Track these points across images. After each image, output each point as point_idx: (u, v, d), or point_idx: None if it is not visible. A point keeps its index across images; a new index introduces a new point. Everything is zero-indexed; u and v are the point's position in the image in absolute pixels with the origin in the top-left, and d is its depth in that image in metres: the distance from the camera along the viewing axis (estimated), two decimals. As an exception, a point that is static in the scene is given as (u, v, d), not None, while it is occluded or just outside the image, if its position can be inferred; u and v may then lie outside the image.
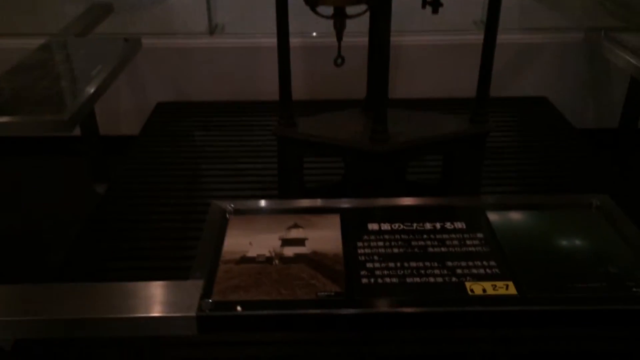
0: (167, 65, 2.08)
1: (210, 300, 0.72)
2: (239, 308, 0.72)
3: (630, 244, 0.84)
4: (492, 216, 0.90)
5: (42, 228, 1.70)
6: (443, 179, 1.50)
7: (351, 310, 0.72)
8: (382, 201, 0.94)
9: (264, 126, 1.87)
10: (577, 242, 0.85)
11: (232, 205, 0.91)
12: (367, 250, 0.82)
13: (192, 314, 0.70)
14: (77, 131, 1.75)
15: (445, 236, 0.86)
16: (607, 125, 2.16)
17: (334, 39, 1.30)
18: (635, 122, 2.00)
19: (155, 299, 0.73)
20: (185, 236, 1.32)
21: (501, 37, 1.34)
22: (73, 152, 1.91)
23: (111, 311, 0.71)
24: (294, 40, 1.99)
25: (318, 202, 0.95)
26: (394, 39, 1.84)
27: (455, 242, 0.84)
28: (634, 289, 0.75)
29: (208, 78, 2.10)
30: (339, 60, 1.39)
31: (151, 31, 2.04)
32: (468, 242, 0.84)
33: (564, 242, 0.85)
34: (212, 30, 2.12)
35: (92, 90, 1.33)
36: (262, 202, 0.94)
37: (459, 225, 0.88)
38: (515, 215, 0.91)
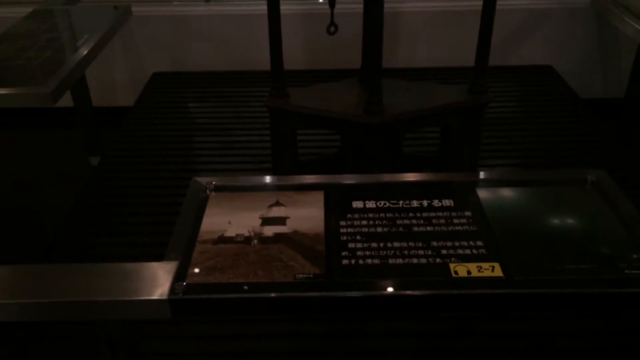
0: (163, 35, 2.03)
1: (184, 283, 0.70)
2: (212, 291, 0.69)
3: (624, 222, 0.80)
4: (482, 193, 0.86)
5: (35, 202, 1.69)
6: (440, 152, 1.46)
7: (329, 293, 0.69)
8: (370, 177, 0.91)
9: (260, 97, 1.83)
10: (569, 220, 0.81)
11: (214, 182, 0.88)
12: (350, 230, 0.79)
13: (165, 297, 0.68)
14: (70, 102, 1.73)
15: (431, 214, 0.82)
16: (614, 95, 2.11)
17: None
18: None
19: (129, 282, 0.70)
20: (177, 211, 1.30)
21: (505, 3, 1.29)
22: (68, 124, 1.88)
23: (82, 294, 0.69)
24: (290, 7, 1.95)
25: (302, 179, 0.91)
26: (393, 5, 1.79)
27: (442, 221, 0.81)
28: (626, 271, 0.72)
29: (205, 47, 2.06)
30: (332, 28, 1.34)
31: (146, -1, 1.99)
32: (455, 221, 0.81)
33: (556, 221, 0.81)
34: (208, -3, 2.06)
35: (77, 61, 1.29)
36: (245, 179, 0.91)
37: (447, 202, 0.84)
38: (506, 192, 0.87)
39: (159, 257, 0.75)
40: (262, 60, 1.95)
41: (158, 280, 0.70)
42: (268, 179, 0.93)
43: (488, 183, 0.89)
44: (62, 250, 1.23)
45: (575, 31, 2.02)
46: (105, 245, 1.24)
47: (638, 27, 1.59)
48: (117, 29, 1.58)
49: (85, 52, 1.35)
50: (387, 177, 0.91)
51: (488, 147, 1.56)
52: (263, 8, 1.23)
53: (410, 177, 0.91)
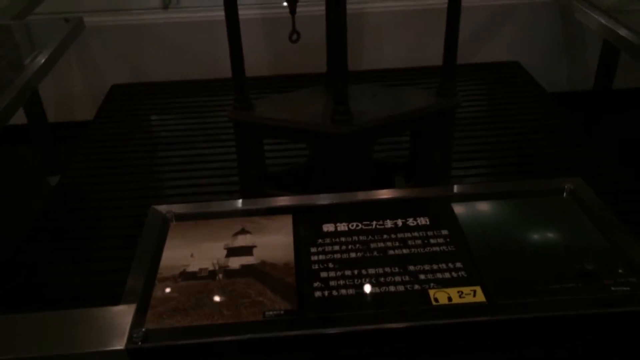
0: (120, 45, 1.96)
1: (142, 329, 0.64)
2: (174, 336, 0.64)
3: (605, 233, 0.77)
4: (458, 209, 0.82)
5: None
6: (411, 157, 1.42)
7: (302, 332, 0.64)
8: (341, 197, 0.86)
9: (225, 106, 1.77)
10: (550, 235, 0.78)
11: (173, 210, 0.82)
12: (322, 257, 0.75)
13: (121, 347, 0.62)
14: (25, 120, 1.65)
15: (407, 235, 0.78)
16: (581, 87, 2.10)
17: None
18: (610, 84, 1.93)
19: (82, 331, 0.64)
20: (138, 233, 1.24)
21: (469, 0, 1.25)
22: (26, 141, 1.80)
23: (31, 349, 0.63)
24: (252, 12, 1.89)
25: (269, 202, 0.86)
26: (357, 6, 1.74)
27: (418, 242, 0.77)
28: (613, 288, 0.68)
29: (165, 56, 1.99)
30: (294, 36, 1.29)
31: (101, 8, 1.91)
32: (432, 241, 0.77)
33: (536, 236, 0.78)
34: (167, 4, 1.99)
35: (27, 78, 1.22)
36: (208, 205, 0.86)
37: (422, 221, 0.80)
38: (483, 207, 0.83)
39: (123, 285, 0.70)
40: (224, 68, 1.89)
41: (114, 327, 0.64)
42: (232, 203, 0.87)
43: (463, 197, 0.85)
44: (16, 282, 1.16)
45: (539, 26, 2.00)
46: (65, 275, 1.17)
47: (602, 21, 1.57)
48: (70, 42, 1.50)
49: (36, 69, 1.28)
50: (358, 196, 0.87)
51: (459, 148, 1.52)
52: (222, 14, 1.17)
53: (383, 194, 0.87)
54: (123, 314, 0.66)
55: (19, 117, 1.41)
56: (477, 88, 1.91)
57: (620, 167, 1.48)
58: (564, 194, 0.84)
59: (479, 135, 1.65)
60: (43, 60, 1.32)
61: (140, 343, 0.63)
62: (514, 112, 1.76)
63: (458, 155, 1.49)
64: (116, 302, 0.69)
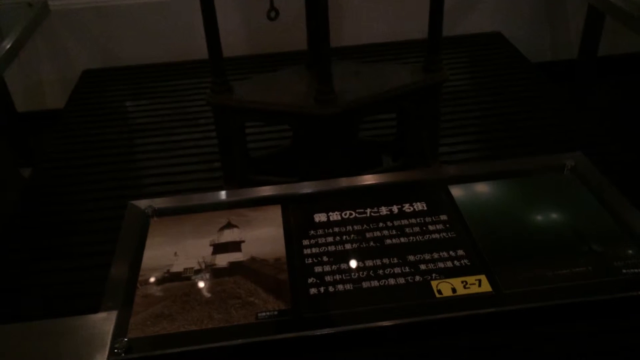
0: (90, 29, 1.87)
1: (125, 339, 0.59)
2: (160, 345, 0.59)
3: (611, 210, 0.73)
4: (456, 191, 0.78)
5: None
6: (398, 136, 1.37)
7: (298, 334, 0.60)
8: (331, 183, 0.81)
9: (202, 89, 1.70)
10: (554, 216, 0.74)
11: (153, 205, 0.77)
12: (315, 250, 0.70)
13: (104, 359, 0.57)
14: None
15: (404, 222, 0.73)
16: (565, 56, 2.07)
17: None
18: (595, 52, 1.90)
19: (59, 344, 0.59)
20: (118, 227, 1.18)
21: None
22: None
23: (4, 364, 0.58)
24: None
25: (255, 192, 0.81)
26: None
27: (417, 229, 0.72)
28: (624, 271, 0.65)
29: (137, 39, 1.91)
30: (273, 14, 1.22)
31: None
32: (431, 228, 0.72)
33: (539, 218, 0.73)
34: (136, -17, 1.91)
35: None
36: (189, 198, 0.80)
37: (419, 206, 0.76)
38: (482, 188, 0.79)
39: (102, 282, 0.65)
40: (200, 48, 1.82)
41: (94, 338, 0.59)
42: (216, 195, 0.82)
43: (460, 179, 0.81)
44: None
45: (522, -6, 1.96)
46: (42, 272, 1.11)
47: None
48: (35, 27, 1.42)
49: (0, 56, 1.21)
50: (349, 182, 0.82)
51: (445, 124, 1.48)
52: (196, -8, 1.10)
53: (375, 178, 0.82)
54: (103, 323, 0.61)
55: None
56: (460, 61, 1.86)
57: (611, 137, 1.45)
58: (565, 170, 0.80)
59: (464, 110, 1.60)
60: (7, 47, 1.25)
61: (123, 354, 0.58)
62: (499, 85, 1.71)
63: (444, 132, 1.44)
64: (97, 302, 0.64)
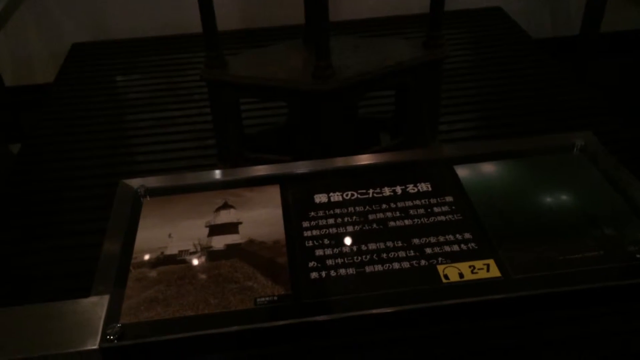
0: (80, 0, 1.82)
1: (118, 325, 0.57)
2: (154, 331, 0.56)
3: (623, 192, 0.71)
4: (462, 171, 0.75)
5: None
6: (398, 113, 1.34)
7: (299, 320, 0.57)
8: (331, 162, 0.78)
9: (196, 63, 1.66)
10: (564, 198, 0.71)
11: (146, 185, 0.73)
12: (316, 232, 0.67)
13: (95, 346, 0.55)
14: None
15: (408, 203, 0.71)
16: (565, 33, 2.03)
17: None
18: (597, 28, 1.86)
19: (48, 329, 0.56)
20: (109, 205, 1.15)
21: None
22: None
23: (-9, 352, 0.55)
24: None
25: (252, 171, 0.78)
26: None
27: (421, 211, 0.69)
28: (638, 255, 0.62)
29: (128, 11, 1.86)
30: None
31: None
32: (436, 210, 0.69)
33: (549, 200, 0.71)
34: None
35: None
36: (184, 177, 0.77)
37: (424, 187, 0.73)
38: (488, 168, 0.76)
39: (92, 262, 0.62)
40: (193, 21, 1.77)
41: (85, 324, 0.57)
42: (212, 174, 0.78)
43: (466, 158, 0.78)
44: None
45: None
46: (31, 251, 1.08)
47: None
48: (17, 2, 1.37)
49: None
50: (351, 161, 0.79)
51: (445, 101, 1.45)
52: (188, -36, 1.06)
53: (377, 158, 0.79)
54: (94, 307, 0.58)
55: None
56: (460, 37, 1.82)
57: (613, 115, 1.42)
58: (575, 150, 0.77)
59: (464, 87, 1.57)
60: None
61: (116, 341, 0.55)
62: (498, 61, 1.68)
63: (443, 109, 1.41)
64: (88, 282, 0.61)
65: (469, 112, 1.48)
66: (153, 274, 0.62)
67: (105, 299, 0.59)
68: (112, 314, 0.58)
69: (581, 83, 1.60)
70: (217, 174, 0.78)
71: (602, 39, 1.88)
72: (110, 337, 0.55)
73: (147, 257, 0.64)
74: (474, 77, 1.61)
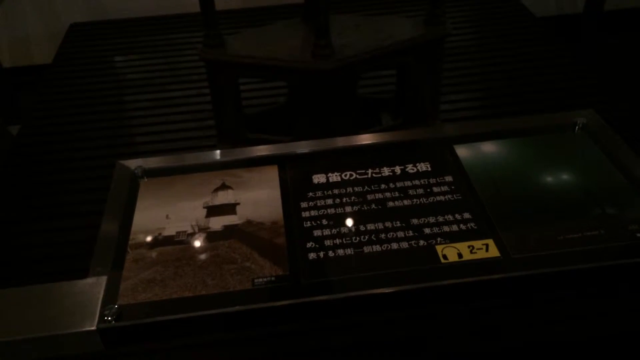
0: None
1: (115, 306, 0.56)
2: (152, 312, 0.56)
3: (624, 171, 0.70)
4: (461, 151, 0.74)
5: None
6: (398, 92, 1.33)
7: (297, 300, 0.57)
8: (329, 142, 0.78)
9: (194, 43, 1.64)
10: (565, 177, 0.70)
11: (143, 165, 0.73)
12: (314, 213, 0.67)
13: (92, 327, 0.54)
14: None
15: (407, 183, 0.70)
16: (569, 10, 2.01)
17: None
18: (601, 6, 1.84)
19: (46, 310, 0.56)
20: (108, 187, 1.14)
21: None
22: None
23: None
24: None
25: (250, 151, 0.77)
26: None
27: (420, 191, 0.69)
28: (638, 234, 0.62)
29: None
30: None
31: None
32: (435, 190, 0.69)
33: (549, 179, 0.70)
34: None
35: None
36: (181, 157, 0.76)
37: (423, 167, 0.72)
38: (488, 148, 0.75)
39: (90, 243, 0.61)
40: (191, 0, 1.75)
41: (83, 305, 0.56)
42: (209, 155, 0.78)
43: (466, 138, 0.77)
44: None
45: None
46: (29, 232, 1.08)
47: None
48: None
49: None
50: (349, 141, 0.78)
51: (447, 80, 1.43)
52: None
53: (376, 138, 0.78)
54: (92, 288, 0.58)
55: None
56: (462, 14, 1.80)
57: (616, 94, 1.40)
58: (576, 129, 0.77)
59: (465, 66, 1.55)
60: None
61: (113, 322, 0.55)
62: (501, 40, 1.66)
63: (445, 89, 1.40)
64: (85, 264, 0.61)
65: (472, 92, 1.46)
66: (151, 255, 0.62)
67: (102, 280, 0.59)
68: (110, 295, 0.57)
69: (585, 62, 1.58)
70: (215, 154, 0.77)
71: (606, 16, 1.85)
72: (107, 318, 0.55)
73: (144, 238, 0.64)
74: (476, 55, 1.60)
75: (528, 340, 0.65)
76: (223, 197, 0.69)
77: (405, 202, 0.67)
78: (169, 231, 0.65)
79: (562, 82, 1.46)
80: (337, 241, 0.63)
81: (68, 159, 1.28)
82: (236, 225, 0.65)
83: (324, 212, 0.66)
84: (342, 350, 0.63)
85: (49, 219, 1.11)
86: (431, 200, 0.67)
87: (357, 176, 0.71)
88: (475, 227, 0.64)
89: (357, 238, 0.63)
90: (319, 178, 0.71)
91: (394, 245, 0.62)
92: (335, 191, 0.69)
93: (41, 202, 1.17)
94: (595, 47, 1.81)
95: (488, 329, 0.65)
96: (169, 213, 0.67)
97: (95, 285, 0.58)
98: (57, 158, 1.29)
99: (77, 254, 0.95)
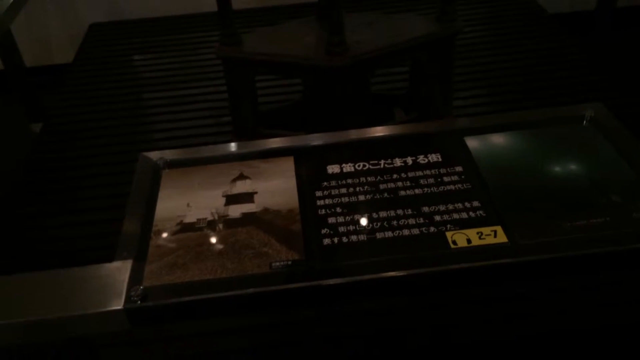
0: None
1: (140, 287, 0.60)
2: (175, 293, 0.59)
3: (632, 162, 0.72)
4: (471, 142, 0.77)
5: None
6: (411, 88, 1.35)
7: (312, 283, 0.60)
8: (343, 135, 0.80)
9: (211, 42, 1.68)
10: (572, 167, 0.72)
11: (165, 157, 0.76)
12: (328, 201, 0.69)
13: (119, 307, 0.58)
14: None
15: (418, 173, 0.72)
16: (581, 7, 2.01)
17: None
18: (614, 3, 1.84)
19: (75, 292, 0.59)
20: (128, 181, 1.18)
21: None
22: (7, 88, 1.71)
23: (23, 312, 0.58)
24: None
25: (267, 143, 0.80)
26: None
27: (431, 180, 0.71)
28: (643, 222, 0.64)
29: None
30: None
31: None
32: (446, 179, 0.71)
33: (557, 169, 0.72)
34: None
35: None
36: (202, 149, 0.79)
37: (434, 157, 0.75)
38: (498, 139, 0.78)
39: (114, 236, 0.65)
40: (207, 0, 1.79)
41: (110, 286, 0.60)
42: (228, 147, 0.81)
43: (476, 130, 0.79)
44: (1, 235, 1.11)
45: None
46: (53, 227, 1.12)
47: None
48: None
49: (6, 8, 1.19)
50: (363, 133, 0.80)
51: (459, 77, 1.45)
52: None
53: (389, 130, 0.81)
54: (118, 271, 0.61)
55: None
56: (474, 11, 1.81)
57: (628, 90, 1.42)
58: (585, 121, 0.79)
59: (478, 62, 1.57)
60: (11, 1, 1.23)
61: (139, 302, 0.58)
62: (514, 37, 1.67)
63: (457, 85, 1.42)
64: (108, 255, 0.64)
65: (484, 88, 1.48)
66: (173, 241, 0.65)
67: (128, 264, 0.62)
68: (135, 278, 0.60)
69: (596, 58, 1.59)
70: (233, 146, 0.80)
71: (619, 13, 1.86)
72: (134, 298, 0.58)
73: (167, 225, 0.67)
74: (488, 52, 1.61)
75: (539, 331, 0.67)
76: (241, 187, 0.72)
77: (417, 191, 0.70)
78: (190, 218, 0.68)
79: (574, 77, 1.47)
80: (351, 228, 0.65)
81: (90, 155, 1.32)
82: (254, 213, 0.68)
83: (338, 200, 0.69)
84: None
85: (72, 213, 1.15)
86: (441, 190, 0.70)
87: (370, 167, 0.74)
88: (484, 215, 0.66)
89: (370, 225, 0.66)
90: (333, 168, 0.74)
91: (405, 232, 0.65)
92: (349, 181, 0.72)
93: (65, 197, 1.21)
94: (607, 44, 1.82)
95: (501, 317, 0.67)
96: (189, 201, 0.70)
97: (121, 269, 0.61)
98: (79, 154, 1.33)
99: (99, 247, 0.98)
